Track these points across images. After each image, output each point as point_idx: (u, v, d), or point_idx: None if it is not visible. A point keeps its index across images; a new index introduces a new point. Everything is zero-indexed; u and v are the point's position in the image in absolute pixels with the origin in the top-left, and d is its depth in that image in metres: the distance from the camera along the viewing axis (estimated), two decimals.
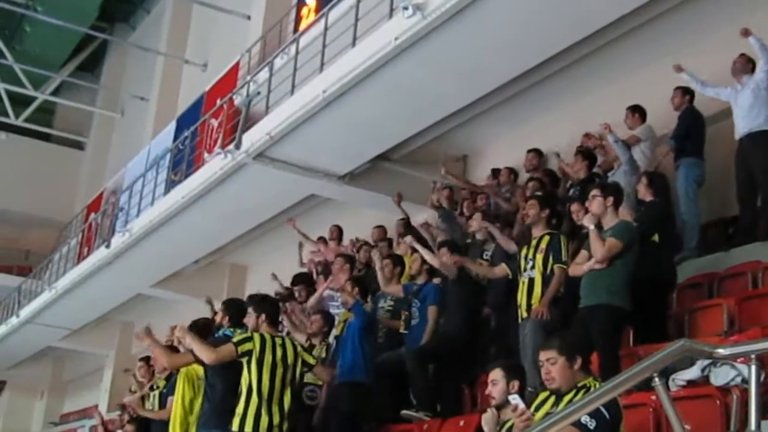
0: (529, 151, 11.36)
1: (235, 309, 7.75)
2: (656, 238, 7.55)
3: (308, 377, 8.43)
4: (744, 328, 6.66)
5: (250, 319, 7.20)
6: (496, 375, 5.29)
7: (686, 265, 8.45)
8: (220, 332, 7.85)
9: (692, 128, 9.28)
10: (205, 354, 6.81)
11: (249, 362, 6.77)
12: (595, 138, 10.43)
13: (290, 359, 6.93)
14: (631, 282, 6.74)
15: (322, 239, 13.90)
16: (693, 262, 8.52)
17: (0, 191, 33.95)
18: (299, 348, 7.14)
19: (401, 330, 9.12)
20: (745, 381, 5.21)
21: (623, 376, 3.48)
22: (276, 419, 6.75)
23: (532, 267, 7.35)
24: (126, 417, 9.86)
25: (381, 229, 12.93)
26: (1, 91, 32.28)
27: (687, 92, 9.44)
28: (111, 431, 10.61)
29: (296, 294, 10.83)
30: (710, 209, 9.83)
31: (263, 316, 7.11)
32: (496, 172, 11.97)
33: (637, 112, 9.94)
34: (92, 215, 23.98)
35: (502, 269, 8.20)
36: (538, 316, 7.11)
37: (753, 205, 8.71)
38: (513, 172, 11.90)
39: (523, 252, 7.53)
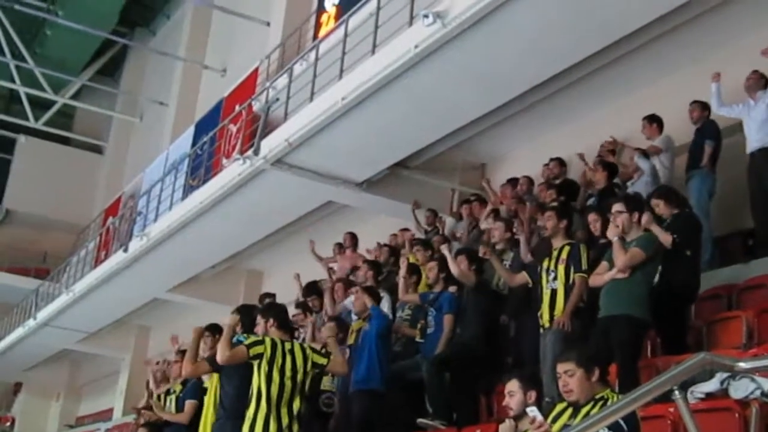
0: (552, 159, 11.31)
1: (248, 315, 7.75)
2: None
3: (325, 384, 8.43)
4: (763, 340, 6.63)
5: (260, 327, 7.24)
6: (513, 386, 5.27)
7: (705, 276, 8.37)
8: (234, 338, 7.85)
9: (711, 141, 9.27)
10: (220, 351, 6.82)
11: (259, 366, 6.78)
12: (613, 143, 10.41)
13: (300, 363, 6.92)
14: (651, 293, 6.71)
15: (339, 245, 13.87)
16: (712, 273, 8.47)
17: (19, 194, 34.24)
18: (308, 351, 7.12)
19: (417, 338, 9.12)
20: (765, 395, 5.19)
21: (644, 389, 3.47)
22: (285, 423, 6.75)
23: (555, 278, 7.33)
24: (141, 420, 9.85)
25: (407, 232, 12.84)
26: (21, 94, 32.47)
27: (706, 107, 9.45)
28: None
29: (310, 304, 10.81)
30: (729, 221, 9.79)
31: (272, 321, 7.12)
32: (513, 182, 11.93)
33: (655, 122, 9.95)
34: (110, 219, 24.10)
35: (522, 277, 8.18)
36: (559, 326, 7.08)
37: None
38: (531, 182, 11.85)
39: (545, 264, 7.50)
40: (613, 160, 10.25)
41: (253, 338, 6.96)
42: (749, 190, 8.85)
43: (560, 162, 11.31)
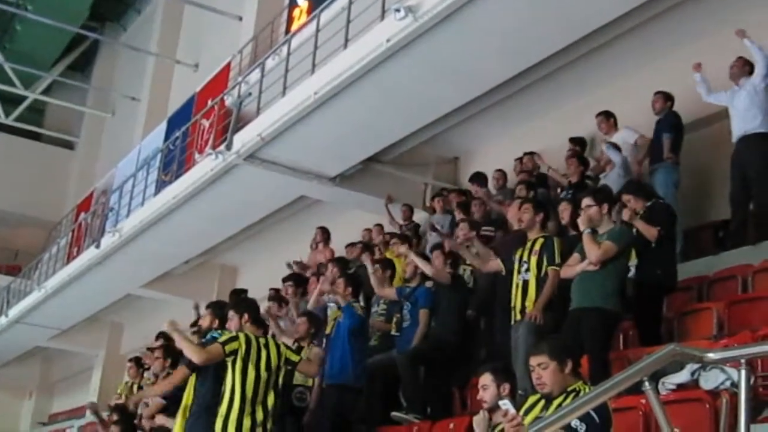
0: (526, 153, 11.33)
1: (222, 311, 7.72)
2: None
3: (297, 379, 8.42)
4: (734, 331, 6.67)
5: (232, 322, 7.20)
6: (486, 379, 5.28)
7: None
8: (209, 336, 7.83)
9: (669, 133, 9.32)
10: (195, 354, 6.80)
11: (234, 362, 6.77)
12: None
13: (274, 360, 6.94)
14: (630, 285, 6.75)
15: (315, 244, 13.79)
16: (683, 265, 8.51)
17: None
18: (282, 347, 7.13)
19: (392, 332, 9.14)
20: (735, 385, 5.23)
21: (613, 380, 3.49)
22: (259, 419, 6.75)
23: (527, 270, 7.36)
24: (114, 417, 9.80)
25: (378, 227, 12.84)
26: None
27: (668, 98, 9.51)
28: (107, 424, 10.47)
29: (282, 291, 10.76)
30: (700, 212, 9.87)
31: (245, 316, 7.11)
32: (479, 177, 11.85)
33: (611, 117, 10.09)
34: (82, 215, 23.92)
35: (496, 264, 8.17)
36: (531, 319, 7.11)
37: (745, 208, 8.74)
38: (504, 175, 11.89)
39: (518, 254, 7.53)
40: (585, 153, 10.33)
41: (227, 335, 6.95)
42: (731, 177, 8.82)
43: (532, 156, 11.32)
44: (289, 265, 12.62)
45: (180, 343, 6.99)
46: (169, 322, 7.35)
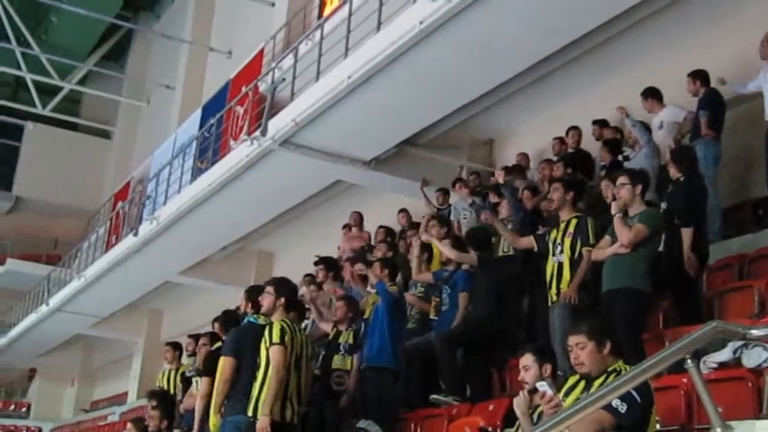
0: (571, 128, 11.25)
1: (257, 296, 7.71)
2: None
3: (336, 363, 8.45)
4: None
5: (267, 299, 7.12)
6: (528, 360, 5.25)
7: (715, 247, 8.35)
8: (245, 320, 7.86)
9: (714, 108, 9.18)
10: (276, 380, 6.73)
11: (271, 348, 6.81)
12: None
13: (304, 344, 7.00)
14: (654, 267, 6.69)
15: (347, 227, 13.87)
16: (723, 243, 8.44)
17: (28, 181, 34.37)
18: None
19: (432, 316, 9.13)
20: None
21: (655, 359, 3.46)
22: (289, 402, 6.80)
23: (561, 251, 7.31)
24: (153, 402, 9.87)
25: (405, 213, 12.92)
26: (28, 81, 32.51)
27: (701, 77, 9.31)
28: None
29: (315, 274, 10.77)
30: (740, 190, 9.75)
31: (282, 300, 7.06)
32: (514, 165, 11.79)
33: (653, 95, 9.88)
34: (120, 203, 24.16)
35: (528, 241, 8.09)
36: (566, 300, 7.07)
37: None
38: (526, 158, 11.90)
39: (552, 235, 7.48)
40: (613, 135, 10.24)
41: (276, 330, 6.86)
42: (765, 155, 8.72)
43: (578, 130, 11.17)
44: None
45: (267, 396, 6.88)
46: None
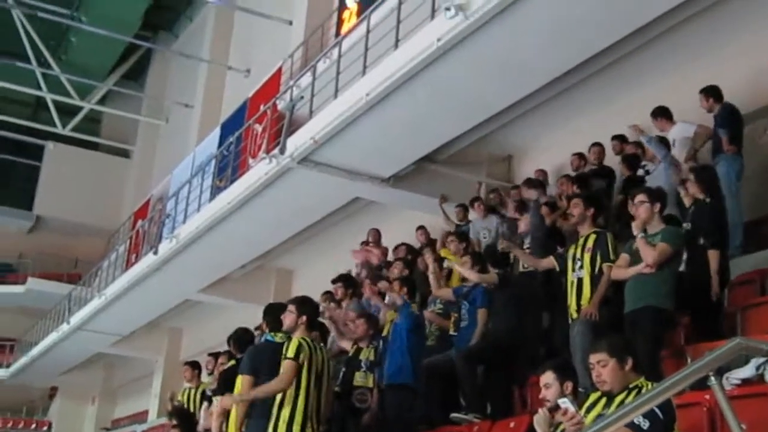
0: (593, 144, 11.18)
1: (273, 314, 7.69)
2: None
3: (358, 380, 8.44)
4: None
5: (289, 317, 7.06)
6: (549, 378, 5.20)
7: (737, 262, 8.29)
8: (263, 338, 7.86)
9: (732, 124, 9.14)
10: (276, 387, 6.77)
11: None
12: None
13: (324, 362, 6.97)
14: (677, 286, 6.65)
15: (365, 243, 13.88)
16: (745, 258, 8.39)
17: (49, 200, 34.62)
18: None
19: (451, 332, 9.12)
20: None
21: (679, 376, 3.42)
22: (309, 420, 6.77)
23: (581, 267, 7.28)
24: (174, 421, 9.88)
25: (423, 230, 12.92)
26: (48, 101, 32.76)
27: (713, 94, 9.27)
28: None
29: (333, 291, 10.77)
30: (761, 205, 9.69)
31: (303, 318, 7.01)
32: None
33: (662, 115, 9.86)
34: (139, 222, 24.26)
35: (549, 261, 8.05)
36: (587, 316, 7.03)
37: None
38: (544, 174, 11.86)
39: (571, 251, 7.45)
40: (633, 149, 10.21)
41: (293, 346, 6.85)
42: None
43: (601, 146, 11.13)
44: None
45: (259, 396, 6.94)
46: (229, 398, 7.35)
